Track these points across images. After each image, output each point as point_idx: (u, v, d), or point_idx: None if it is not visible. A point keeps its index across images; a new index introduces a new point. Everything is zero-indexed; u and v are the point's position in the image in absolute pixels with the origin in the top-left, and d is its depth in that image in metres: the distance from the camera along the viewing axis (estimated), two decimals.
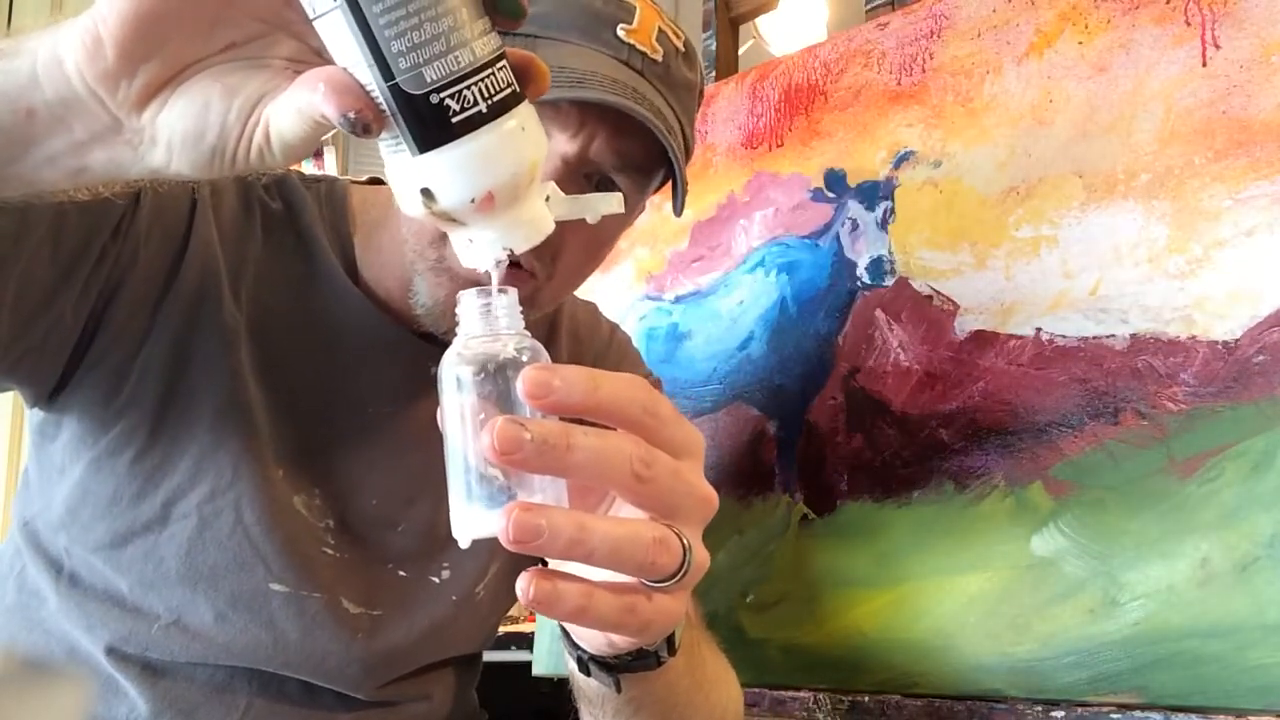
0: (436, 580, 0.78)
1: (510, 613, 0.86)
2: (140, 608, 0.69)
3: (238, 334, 0.71)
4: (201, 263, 0.70)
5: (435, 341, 0.74)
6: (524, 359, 0.40)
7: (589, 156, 0.67)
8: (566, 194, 0.65)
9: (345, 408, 0.74)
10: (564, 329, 0.89)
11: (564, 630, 0.55)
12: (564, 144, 0.67)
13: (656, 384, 0.92)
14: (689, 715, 0.64)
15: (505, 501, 0.39)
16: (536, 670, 1.10)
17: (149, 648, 0.69)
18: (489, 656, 0.92)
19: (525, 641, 1.27)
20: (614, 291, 1.18)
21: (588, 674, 0.55)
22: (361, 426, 0.75)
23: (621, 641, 0.50)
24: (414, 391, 0.76)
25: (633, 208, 0.73)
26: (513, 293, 0.42)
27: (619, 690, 0.56)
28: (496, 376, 0.40)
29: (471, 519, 0.40)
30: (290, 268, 0.74)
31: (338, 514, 0.74)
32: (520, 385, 0.38)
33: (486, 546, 0.82)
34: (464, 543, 0.41)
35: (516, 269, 0.68)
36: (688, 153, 0.75)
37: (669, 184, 0.74)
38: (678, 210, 0.73)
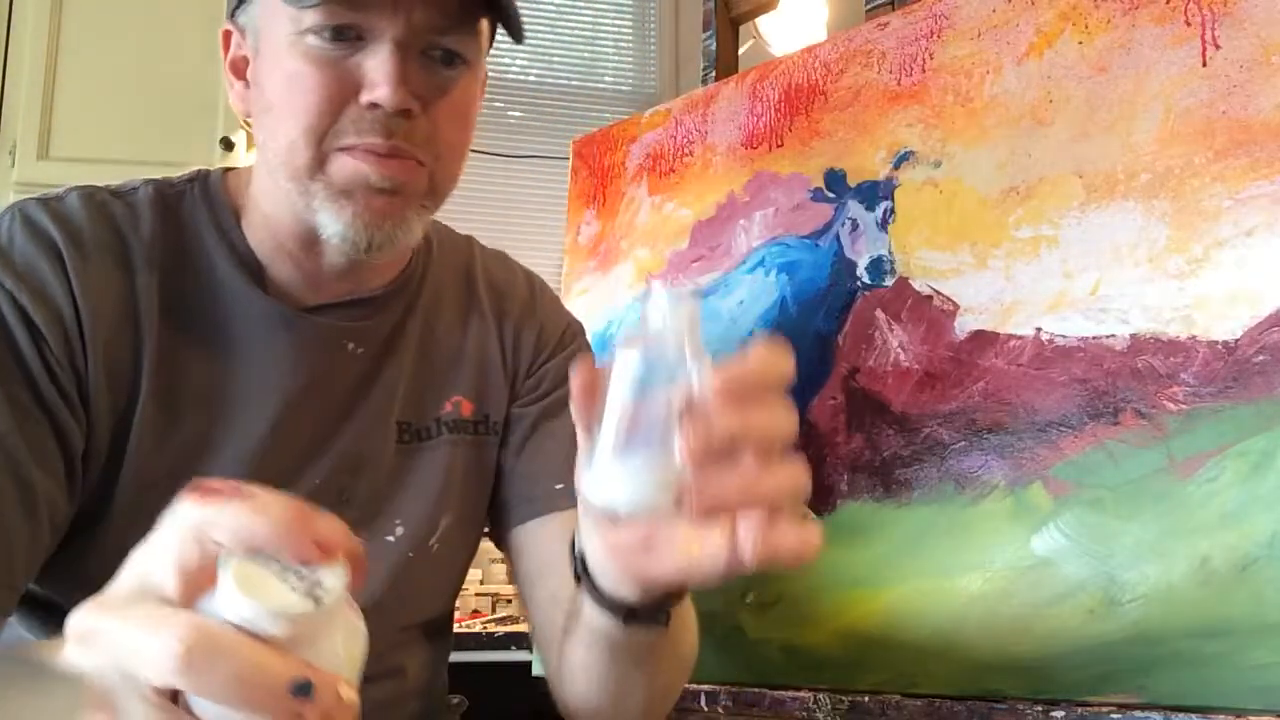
0: (391, 539, 0.80)
1: (510, 613, 0.87)
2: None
3: (137, 385, 0.71)
4: (90, 338, 0.69)
5: (332, 314, 0.77)
6: (696, 361, 0.46)
7: (414, 28, 0.67)
8: (415, 73, 0.68)
9: (268, 404, 0.75)
10: (481, 281, 0.89)
11: (604, 596, 0.59)
12: (388, 29, 0.67)
13: (580, 331, 0.93)
14: (684, 638, 0.69)
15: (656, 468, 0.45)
16: (536, 670, 1.10)
17: None
18: (489, 656, 0.92)
19: (525, 641, 1.26)
20: (614, 291, 1.18)
21: (633, 622, 0.59)
22: (289, 417, 0.75)
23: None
24: (326, 370, 0.77)
25: (475, 60, 0.73)
26: (697, 305, 0.47)
27: (668, 624, 0.60)
28: (666, 375, 0.46)
29: (619, 485, 0.46)
30: (183, 288, 0.74)
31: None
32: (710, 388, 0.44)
33: (434, 500, 0.84)
34: (604, 503, 0.46)
35: (406, 161, 0.69)
36: None
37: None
38: (518, 36, 0.73)
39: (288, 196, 0.71)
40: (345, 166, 0.68)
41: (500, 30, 0.75)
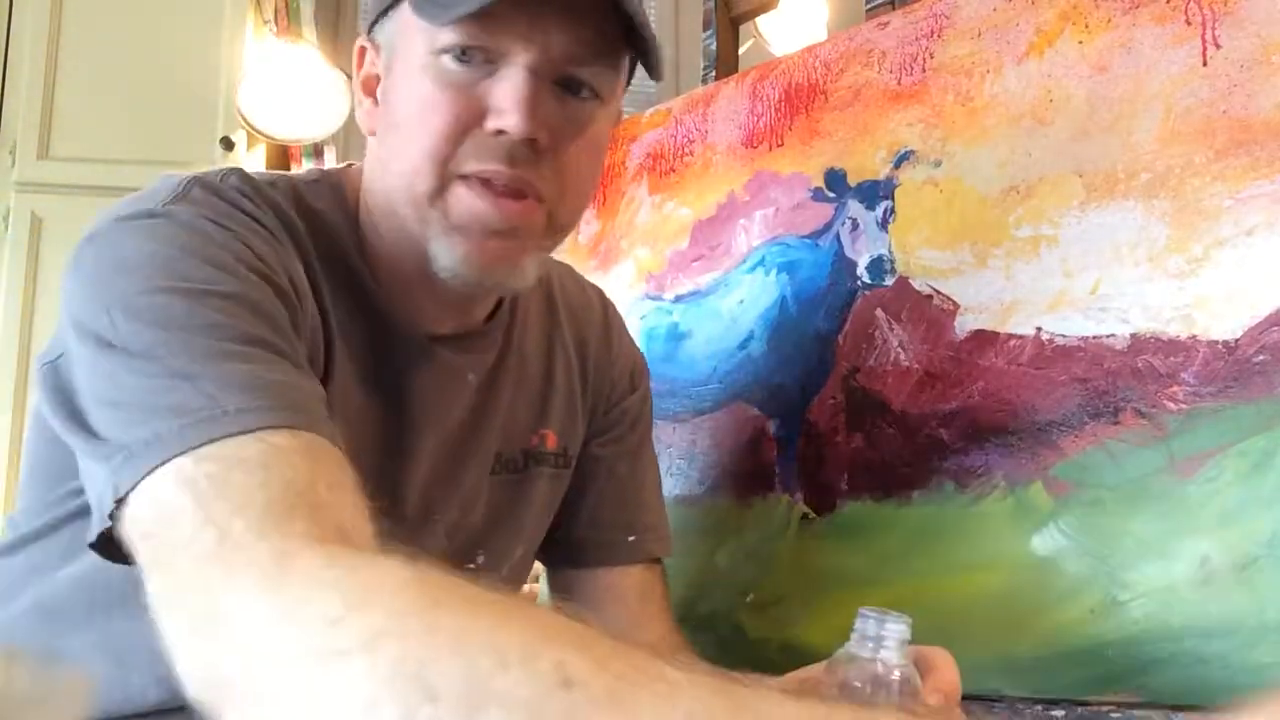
0: (472, 566, 0.79)
1: None
2: None
3: (329, 363, 0.68)
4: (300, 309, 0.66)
5: (453, 344, 0.75)
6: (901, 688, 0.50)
7: (550, 56, 0.64)
8: (547, 101, 0.65)
9: (398, 435, 0.73)
10: (560, 305, 0.87)
11: None
12: (522, 54, 0.63)
13: (646, 368, 0.93)
14: None
15: None
16: None
17: None
18: None
19: None
20: (614, 291, 1.18)
21: None
22: (399, 439, 0.74)
23: None
24: (451, 402, 0.76)
25: (610, 96, 0.69)
26: (905, 627, 0.52)
27: None
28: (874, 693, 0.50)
29: None
30: (336, 295, 0.71)
31: (401, 535, 0.74)
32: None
33: (515, 532, 0.83)
34: None
35: (526, 201, 0.66)
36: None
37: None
38: (657, 73, 0.69)
39: (405, 223, 0.68)
40: (462, 200, 0.65)
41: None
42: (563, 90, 0.66)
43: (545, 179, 0.66)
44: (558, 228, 0.70)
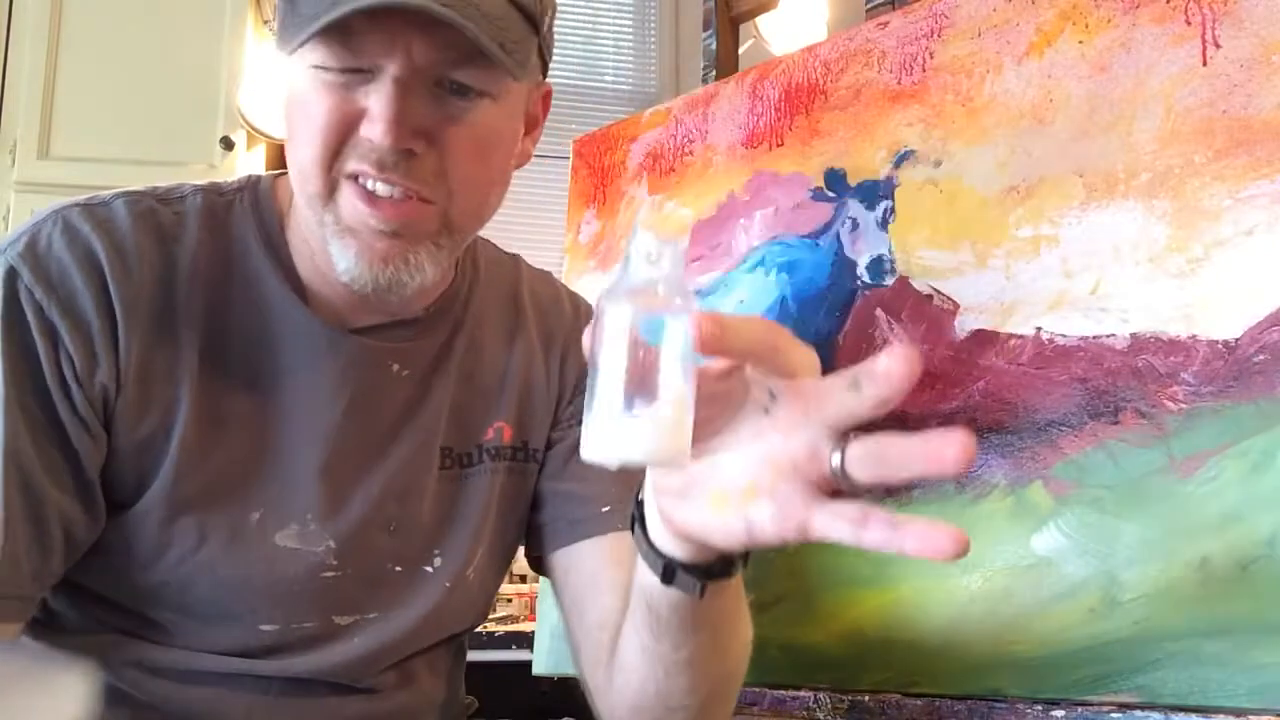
0: (430, 569, 0.79)
1: (510, 613, 0.87)
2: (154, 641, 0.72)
3: (176, 401, 0.70)
4: (125, 351, 0.69)
5: (377, 334, 0.76)
6: (686, 307, 0.46)
7: (416, 65, 0.64)
8: (421, 107, 0.65)
9: (314, 427, 0.74)
10: (528, 304, 0.87)
11: (648, 543, 0.57)
12: (388, 65, 0.64)
13: None
14: (730, 638, 0.67)
15: (647, 415, 0.45)
16: (536, 670, 1.10)
17: (161, 667, 0.72)
18: (489, 656, 0.92)
19: (525, 641, 1.27)
20: None
21: (670, 582, 0.57)
22: (336, 441, 0.74)
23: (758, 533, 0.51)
24: (371, 392, 0.76)
25: (503, 94, 0.68)
26: (683, 243, 0.46)
27: (702, 595, 0.58)
28: (655, 322, 0.46)
29: (634, 441, 0.45)
30: (228, 301, 0.73)
31: (335, 531, 0.74)
32: (695, 332, 0.45)
33: (474, 530, 0.80)
34: (612, 465, 0.46)
35: (413, 202, 0.67)
36: (527, 14, 0.68)
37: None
38: (519, 74, 0.69)
39: (309, 223, 0.70)
40: (349, 202, 0.67)
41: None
42: (448, 90, 0.66)
43: (427, 183, 0.67)
44: (454, 227, 0.70)
